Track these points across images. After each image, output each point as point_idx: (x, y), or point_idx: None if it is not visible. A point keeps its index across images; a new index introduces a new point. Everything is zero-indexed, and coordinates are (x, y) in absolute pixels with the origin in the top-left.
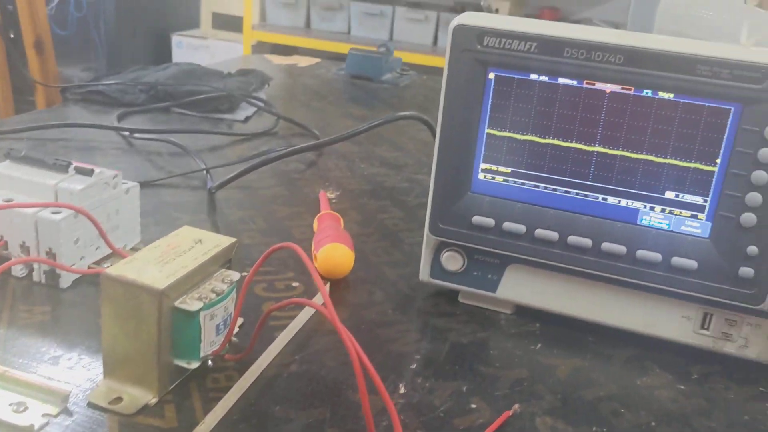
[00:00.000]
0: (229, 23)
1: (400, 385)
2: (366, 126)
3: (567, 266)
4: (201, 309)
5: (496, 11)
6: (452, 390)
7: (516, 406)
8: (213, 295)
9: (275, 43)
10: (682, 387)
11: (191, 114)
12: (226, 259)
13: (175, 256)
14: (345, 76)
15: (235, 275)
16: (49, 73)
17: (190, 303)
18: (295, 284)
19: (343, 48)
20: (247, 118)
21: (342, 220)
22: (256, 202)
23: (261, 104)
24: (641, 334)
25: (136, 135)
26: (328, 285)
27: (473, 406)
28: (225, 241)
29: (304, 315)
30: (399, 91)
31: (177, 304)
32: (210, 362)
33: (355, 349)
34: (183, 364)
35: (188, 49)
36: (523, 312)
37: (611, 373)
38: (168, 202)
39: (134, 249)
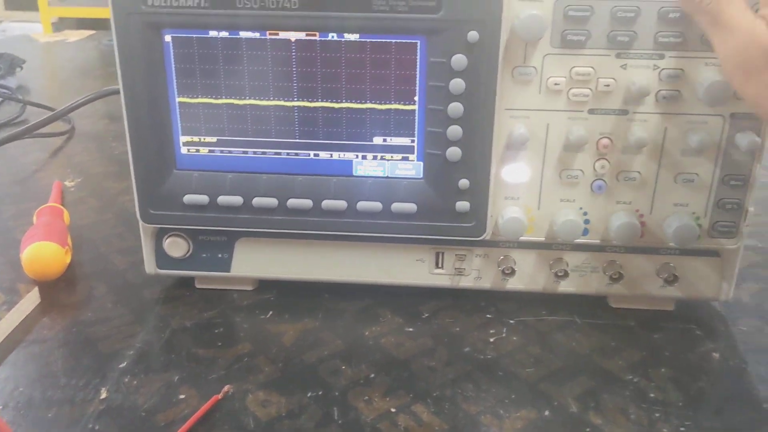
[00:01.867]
0: (24, 2)
1: (103, 390)
2: (75, 102)
3: (292, 231)
4: None
5: None
6: (162, 383)
7: (227, 387)
8: None
9: (80, 17)
10: (410, 329)
11: None
12: None
13: None
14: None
15: None
16: None
17: None
18: None
19: None
20: None
21: (65, 212)
22: None
23: (5, 92)
24: (381, 284)
25: None
26: (36, 290)
27: (181, 396)
28: None
29: (2, 327)
30: None
31: None
32: None
33: None
34: None
35: None
36: (264, 284)
37: (340, 329)
38: None
39: None
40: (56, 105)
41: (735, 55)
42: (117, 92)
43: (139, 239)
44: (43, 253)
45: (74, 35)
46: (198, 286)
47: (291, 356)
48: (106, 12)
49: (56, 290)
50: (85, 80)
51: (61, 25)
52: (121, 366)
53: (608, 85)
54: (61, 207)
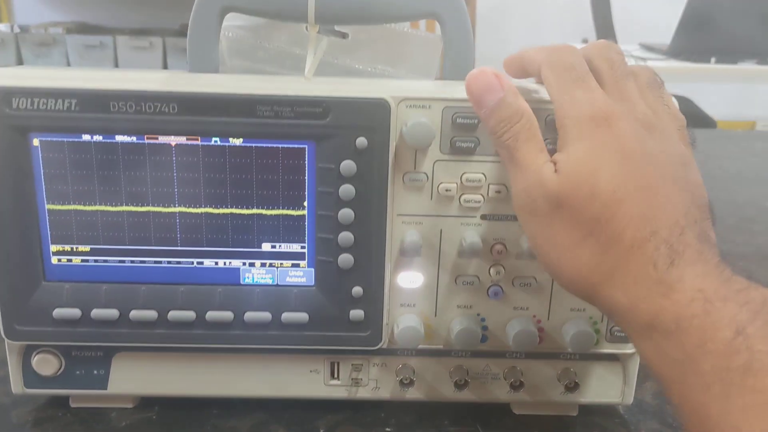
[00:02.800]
0: None
1: None
2: None
3: (174, 345)
4: None
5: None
6: None
7: None
8: None
9: None
10: None
11: None
12: None
13: None
14: None
15: None
16: None
17: None
18: None
19: None
20: None
21: None
22: None
23: None
24: (273, 398)
25: None
26: None
27: None
28: None
29: None
30: None
31: None
32: None
33: None
34: None
35: None
36: (145, 400)
37: None
38: None
39: None
40: None
41: (522, 193)
42: None
43: (3, 352)
44: None
45: None
46: (73, 405)
47: None
48: None
49: None
50: None
51: None
52: None
53: (499, 192)
54: None
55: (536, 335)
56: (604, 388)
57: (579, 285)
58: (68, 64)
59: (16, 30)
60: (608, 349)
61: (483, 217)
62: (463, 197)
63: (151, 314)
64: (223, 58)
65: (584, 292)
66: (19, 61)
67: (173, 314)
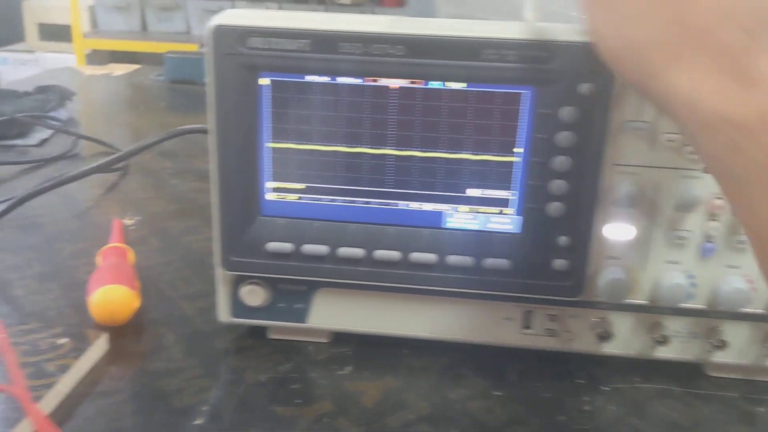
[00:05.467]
0: (58, 33)
1: None
2: (139, 145)
3: (378, 283)
4: None
5: None
6: None
7: None
8: None
9: (113, 50)
10: (498, 393)
11: None
12: None
13: None
14: (165, 82)
15: None
16: None
17: None
18: (62, 341)
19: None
20: (43, 142)
21: (130, 252)
22: (37, 241)
23: (57, 124)
24: (464, 342)
25: None
26: (105, 336)
27: None
28: None
29: (71, 376)
30: None
31: None
32: None
33: None
34: None
35: (15, 65)
36: (339, 336)
37: (423, 390)
38: None
39: None
40: (107, 139)
41: None
42: (192, 132)
43: (206, 284)
44: (113, 297)
45: (119, 69)
46: (271, 336)
47: (374, 419)
48: (140, 46)
49: (123, 337)
50: (133, 114)
51: (93, 57)
52: (196, 423)
53: None
54: (126, 247)
55: (749, 295)
56: None
57: (635, 63)
58: (188, 29)
59: None
60: None
61: (706, 169)
62: (687, 148)
63: (358, 252)
64: (436, 5)
65: (638, 73)
66: (143, 25)
67: (379, 253)
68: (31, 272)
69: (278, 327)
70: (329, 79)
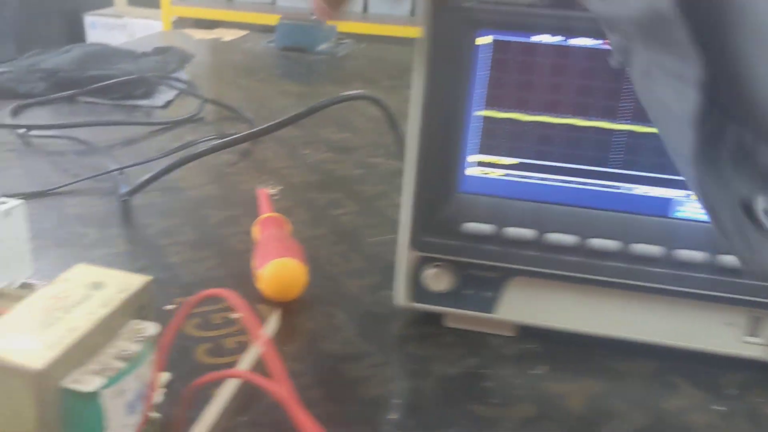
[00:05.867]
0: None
1: None
2: (307, 109)
3: (589, 276)
4: (102, 387)
5: None
6: None
7: None
8: (119, 364)
9: (197, 17)
10: (720, 408)
11: (101, 102)
12: (137, 307)
13: (63, 312)
14: (275, 49)
15: (151, 328)
16: None
17: (86, 380)
18: (234, 316)
19: (268, 19)
20: (168, 103)
21: (288, 224)
22: (183, 206)
23: (183, 86)
24: (673, 347)
25: (34, 132)
26: (278, 313)
27: None
28: (134, 282)
29: (249, 360)
30: (337, 62)
31: (66, 384)
32: None
33: None
34: None
35: (103, 29)
36: (525, 331)
37: (632, 397)
38: (72, 215)
39: (26, 286)
40: (230, 102)
41: None
42: (358, 98)
43: (366, 261)
44: (286, 270)
45: (228, 34)
46: (449, 325)
47: (584, 427)
48: (224, 14)
49: (291, 314)
50: (250, 80)
51: (178, 24)
52: (390, 418)
53: None
54: (284, 218)
55: None
56: None
57: None
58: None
59: None
60: None
61: None
62: None
63: (570, 239)
64: None
65: None
66: None
67: (594, 242)
68: (184, 238)
69: (459, 315)
70: (561, 39)
